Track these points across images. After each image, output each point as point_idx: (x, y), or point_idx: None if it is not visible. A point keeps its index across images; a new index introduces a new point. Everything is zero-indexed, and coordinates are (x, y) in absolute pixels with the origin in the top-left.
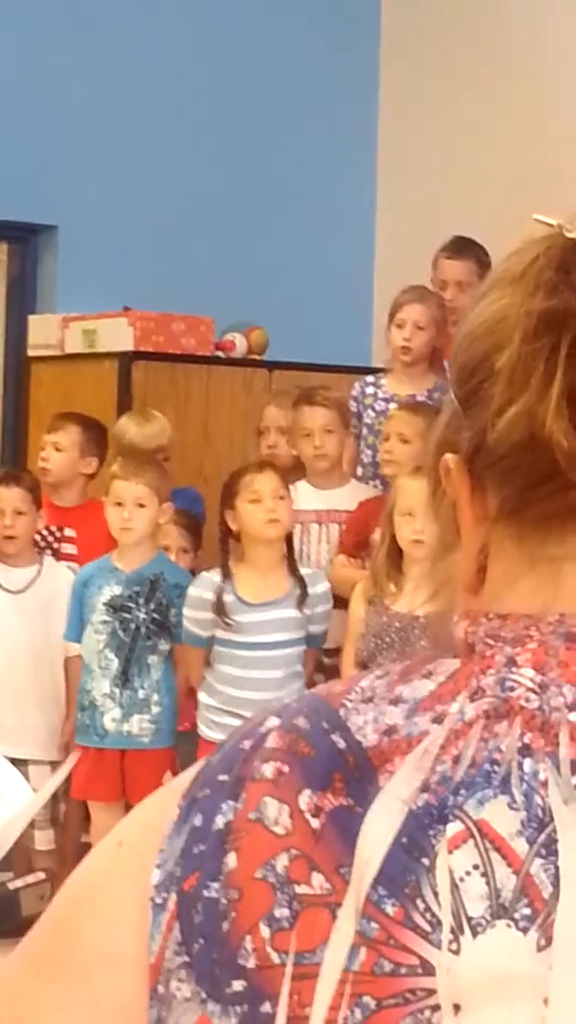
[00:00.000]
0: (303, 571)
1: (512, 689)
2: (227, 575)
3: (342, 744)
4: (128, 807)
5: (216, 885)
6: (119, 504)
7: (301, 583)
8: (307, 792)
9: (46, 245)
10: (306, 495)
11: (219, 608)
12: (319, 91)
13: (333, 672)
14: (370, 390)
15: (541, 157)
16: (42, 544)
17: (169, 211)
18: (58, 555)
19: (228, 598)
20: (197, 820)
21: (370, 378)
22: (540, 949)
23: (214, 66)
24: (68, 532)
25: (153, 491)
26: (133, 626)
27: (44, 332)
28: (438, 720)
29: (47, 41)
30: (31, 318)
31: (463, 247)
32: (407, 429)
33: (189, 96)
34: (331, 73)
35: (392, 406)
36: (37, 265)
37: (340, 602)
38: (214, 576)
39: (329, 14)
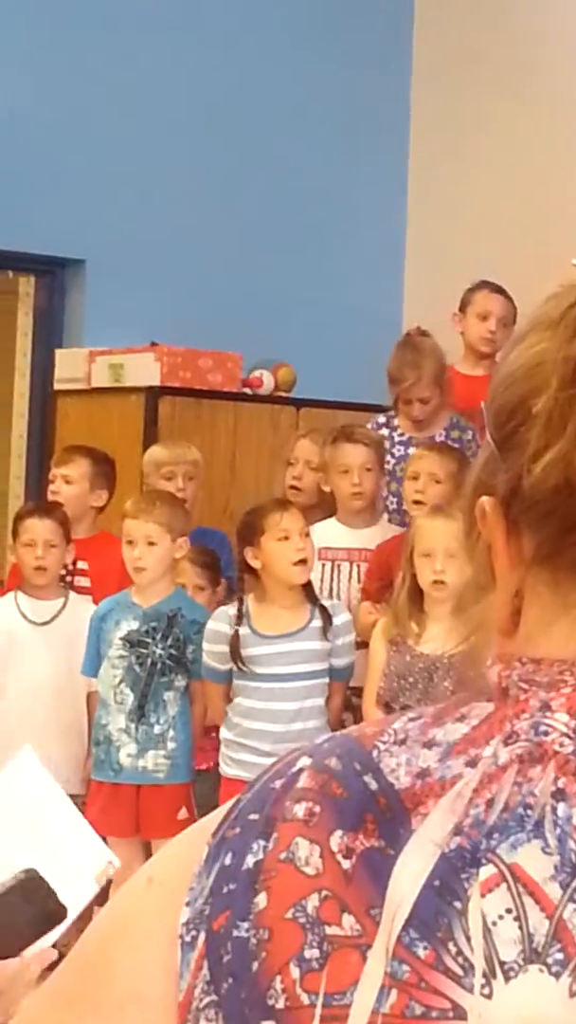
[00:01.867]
0: (324, 602)
1: (546, 734)
2: (242, 609)
3: (374, 786)
4: (143, 843)
5: (246, 925)
6: (131, 543)
7: (324, 613)
8: (339, 833)
9: (74, 279)
10: (337, 533)
11: (234, 642)
12: (349, 126)
13: (360, 711)
14: (384, 432)
15: (573, 199)
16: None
17: (197, 246)
18: (72, 588)
19: (244, 631)
20: (227, 859)
21: (380, 418)
22: (572, 995)
23: (243, 101)
24: (80, 565)
25: (164, 528)
26: (150, 661)
27: (71, 366)
28: (472, 764)
29: (76, 76)
30: (58, 352)
31: (500, 287)
32: (438, 469)
33: (217, 130)
34: (362, 108)
35: (412, 450)
36: (64, 299)
37: (365, 644)
38: (231, 610)
39: (361, 48)
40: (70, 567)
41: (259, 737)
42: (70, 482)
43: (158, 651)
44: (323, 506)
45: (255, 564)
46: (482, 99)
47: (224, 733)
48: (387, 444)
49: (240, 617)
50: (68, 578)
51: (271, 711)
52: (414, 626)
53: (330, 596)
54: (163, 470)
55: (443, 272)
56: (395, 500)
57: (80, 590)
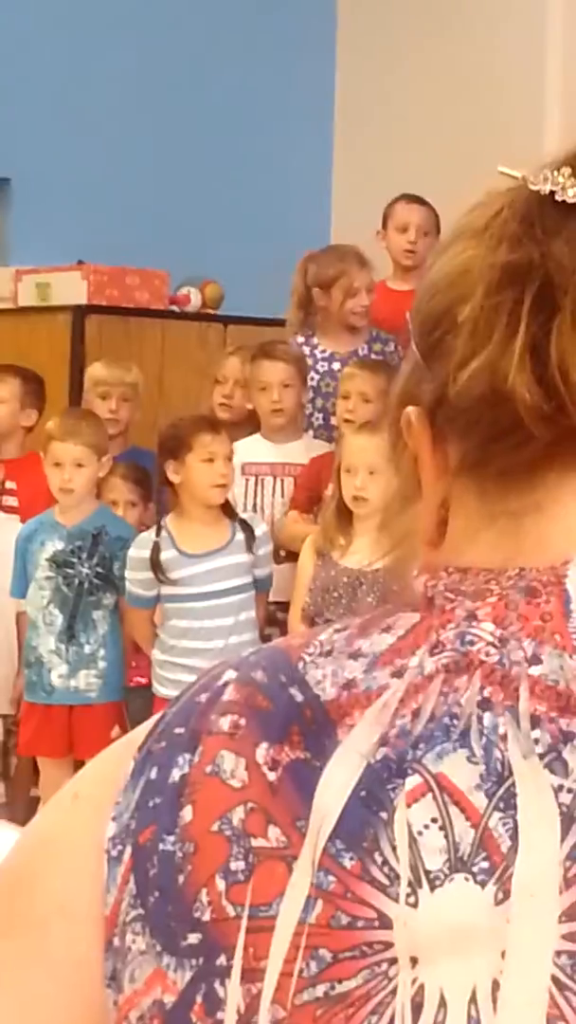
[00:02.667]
0: (243, 515)
1: (472, 643)
2: (161, 530)
3: (300, 697)
4: (76, 762)
5: (171, 838)
6: (58, 465)
7: (246, 527)
8: (264, 745)
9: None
10: (260, 448)
11: (156, 565)
12: (275, 45)
13: (286, 625)
14: (305, 350)
15: (497, 116)
16: None
17: (123, 164)
18: (0, 508)
19: (168, 554)
20: (153, 773)
21: (299, 338)
22: (498, 903)
23: (169, 20)
24: (9, 485)
25: (92, 449)
26: (77, 581)
27: None
28: (397, 674)
29: None
30: None
31: (419, 198)
32: (368, 388)
33: (144, 49)
34: (286, 25)
35: (336, 366)
36: None
37: (292, 557)
38: (152, 535)
39: None
40: None
41: (197, 655)
42: (1, 401)
43: (84, 570)
44: (251, 423)
45: (174, 479)
46: (408, 15)
47: (157, 654)
48: (309, 362)
49: (158, 543)
50: None
51: (207, 629)
52: (341, 540)
53: (254, 511)
54: (99, 389)
55: (371, 187)
56: (320, 416)
57: (9, 510)
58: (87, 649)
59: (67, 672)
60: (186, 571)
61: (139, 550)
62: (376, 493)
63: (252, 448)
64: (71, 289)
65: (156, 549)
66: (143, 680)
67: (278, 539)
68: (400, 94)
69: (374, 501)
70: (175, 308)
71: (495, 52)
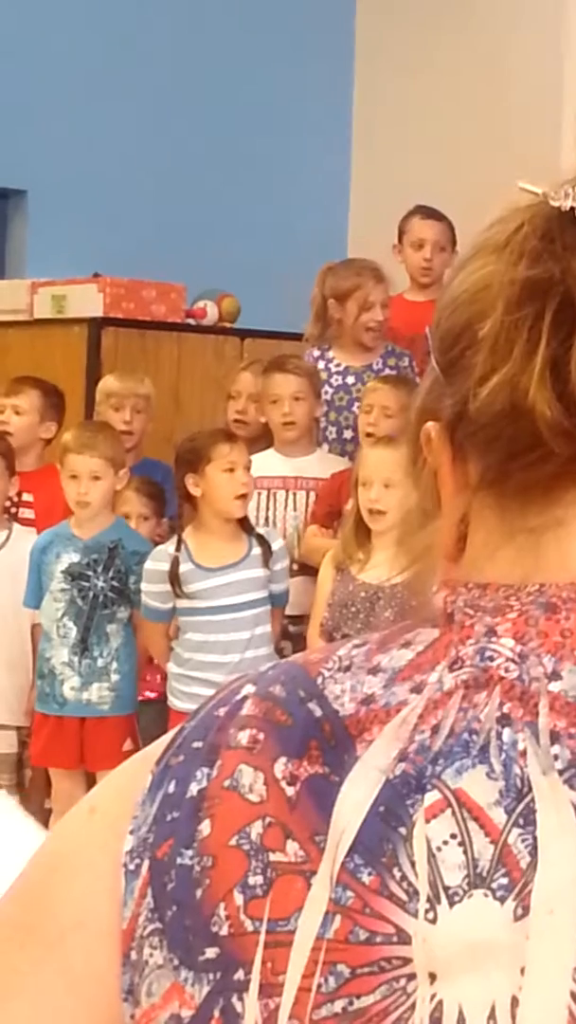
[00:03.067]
0: (259, 530)
1: (492, 659)
2: (181, 544)
3: (319, 712)
4: (87, 775)
5: (189, 852)
6: (74, 477)
7: (263, 541)
8: (283, 760)
9: (16, 210)
10: (273, 462)
11: (174, 578)
12: (292, 57)
13: (300, 639)
14: (320, 365)
15: (514, 128)
16: (2, 510)
17: (140, 177)
18: (16, 520)
19: (186, 567)
20: (171, 787)
21: (315, 351)
22: (517, 919)
23: (186, 31)
24: (26, 497)
25: (108, 462)
26: (91, 594)
27: (12, 297)
28: (417, 690)
29: (15, 5)
30: (0, 282)
31: (435, 211)
32: (391, 402)
33: (161, 61)
34: (305, 39)
35: (350, 379)
36: (6, 230)
37: (305, 571)
38: (169, 548)
39: None
40: (14, 499)
41: (213, 669)
42: (20, 413)
43: (100, 583)
44: (267, 438)
45: (195, 491)
46: (426, 28)
47: (173, 668)
48: (324, 375)
49: (177, 556)
50: (13, 510)
51: (223, 642)
52: (359, 555)
53: (266, 524)
54: (112, 401)
55: (388, 200)
56: (334, 430)
57: (25, 522)
58: (100, 662)
59: (79, 684)
60: (202, 584)
61: (156, 563)
62: (392, 506)
63: (265, 462)
64: (87, 302)
65: (175, 562)
66: (152, 695)
67: (297, 553)
68: (418, 106)
69: (390, 515)
70: (191, 321)
71: (513, 63)
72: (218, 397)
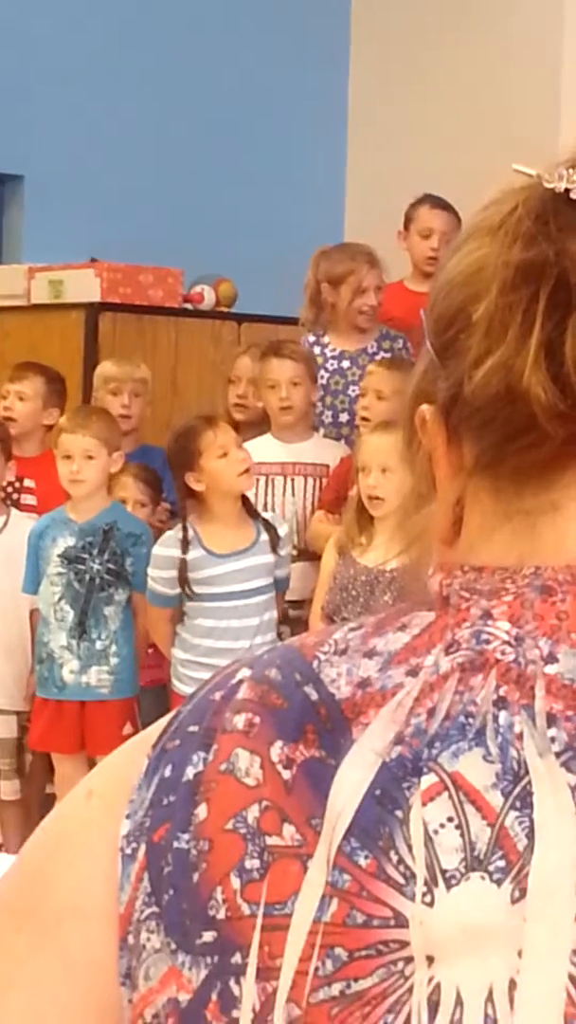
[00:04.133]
0: (265, 515)
1: (488, 642)
2: (188, 531)
3: (315, 696)
4: (89, 759)
5: (186, 836)
6: (68, 457)
7: (269, 527)
8: (279, 743)
9: (12, 195)
10: (271, 447)
11: (182, 569)
12: (288, 43)
13: (299, 623)
14: (316, 350)
15: (512, 116)
16: (1, 495)
17: (137, 162)
18: (18, 506)
19: (196, 553)
20: (167, 771)
21: (310, 337)
22: (514, 901)
23: (183, 20)
24: (28, 483)
25: (101, 442)
26: (88, 577)
27: (10, 282)
28: (413, 673)
29: None
30: None
31: (444, 202)
32: (384, 386)
33: (158, 47)
34: (302, 25)
35: (345, 363)
36: (3, 215)
37: (304, 556)
38: (179, 534)
39: None
40: (15, 484)
41: (224, 655)
42: (24, 399)
43: (96, 566)
44: (268, 422)
45: (198, 487)
46: (423, 16)
47: (179, 653)
48: (319, 360)
49: (186, 542)
50: (15, 496)
51: (234, 629)
52: (362, 539)
53: (265, 510)
54: (110, 386)
55: (384, 186)
56: (329, 414)
57: (27, 508)
58: (99, 645)
59: (79, 668)
60: (214, 571)
61: (166, 548)
62: (390, 491)
63: (262, 448)
64: (84, 287)
65: (184, 548)
66: (152, 680)
67: (297, 539)
68: (414, 93)
69: (388, 499)
70: (189, 306)
71: (509, 51)
72: (215, 381)
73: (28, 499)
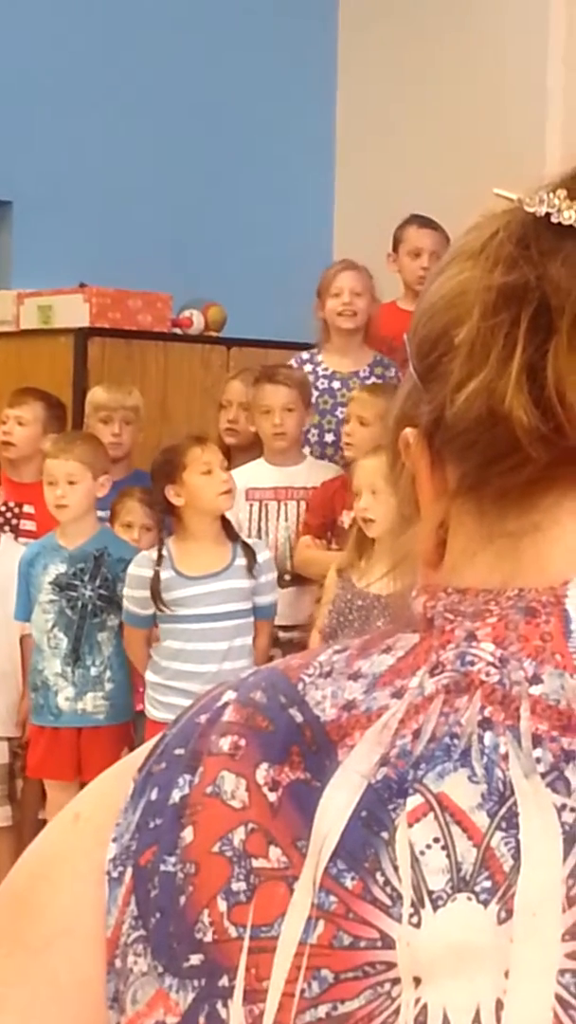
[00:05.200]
0: (247, 540)
1: (472, 663)
2: (162, 552)
3: (300, 718)
4: (83, 785)
5: (172, 859)
6: (52, 483)
7: (247, 550)
8: (264, 766)
9: (1, 221)
10: (263, 472)
11: (155, 585)
12: (276, 67)
13: (290, 646)
14: (308, 368)
15: (499, 135)
16: (0, 521)
17: (125, 187)
18: (17, 532)
19: (167, 574)
20: (153, 794)
21: (304, 355)
22: (501, 922)
23: (171, 44)
24: (27, 508)
25: (85, 466)
26: (80, 604)
27: None
28: (398, 695)
29: (0, 16)
30: None
31: (431, 221)
32: (367, 412)
33: (145, 72)
34: (288, 48)
35: (335, 384)
36: None
37: (297, 581)
38: (152, 554)
39: None
40: (14, 510)
41: (189, 678)
42: (23, 424)
43: (87, 592)
44: (259, 447)
45: (177, 501)
46: (409, 35)
47: (151, 676)
48: (311, 378)
49: (160, 559)
50: (14, 521)
51: (200, 652)
52: (362, 563)
53: (259, 536)
54: (100, 414)
55: (373, 209)
56: (316, 432)
57: (26, 534)
58: (93, 671)
59: (74, 695)
60: (183, 592)
61: (139, 568)
62: (380, 513)
63: (255, 473)
64: (73, 312)
65: (156, 569)
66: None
67: (290, 564)
68: (401, 115)
69: (379, 520)
70: (178, 331)
71: (496, 71)
72: (205, 406)
73: (28, 524)
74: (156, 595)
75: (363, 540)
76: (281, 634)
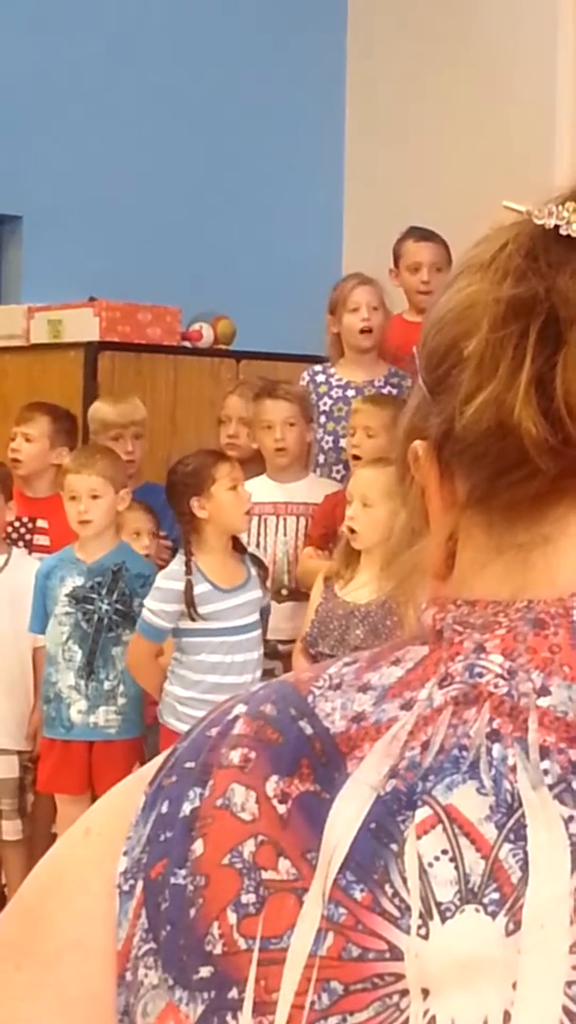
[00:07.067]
0: (252, 551)
1: (481, 675)
2: (191, 565)
3: (309, 730)
4: (95, 799)
5: (183, 872)
6: (74, 498)
7: (258, 562)
8: (274, 778)
9: (11, 235)
10: (265, 488)
11: (189, 598)
12: (285, 81)
13: (286, 658)
14: (321, 378)
15: (507, 149)
16: (14, 536)
17: (135, 201)
18: (31, 547)
19: (202, 588)
20: (164, 807)
21: (317, 367)
22: (509, 934)
23: (180, 57)
24: (40, 523)
25: (107, 480)
26: (96, 617)
27: (9, 322)
28: (407, 707)
29: (10, 30)
30: None
31: (429, 232)
32: (373, 422)
33: (155, 86)
34: (297, 63)
35: (350, 392)
36: (1, 255)
37: (294, 595)
38: (180, 567)
39: (295, 5)
40: (27, 525)
41: (230, 690)
42: (30, 440)
43: (104, 607)
44: (258, 462)
45: (201, 514)
46: (419, 50)
47: (178, 690)
48: (324, 388)
49: (190, 575)
50: (27, 536)
51: (240, 663)
52: (347, 573)
53: (258, 549)
54: (111, 432)
55: (382, 221)
56: (330, 439)
57: (40, 548)
58: (106, 685)
59: (86, 708)
60: (219, 605)
61: (171, 581)
62: (365, 524)
63: (257, 488)
64: (83, 326)
65: (189, 583)
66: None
67: (287, 578)
68: (411, 128)
69: (362, 532)
70: (187, 344)
71: (505, 84)
72: (214, 419)
73: (41, 539)
74: (192, 607)
75: (350, 550)
76: (280, 647)
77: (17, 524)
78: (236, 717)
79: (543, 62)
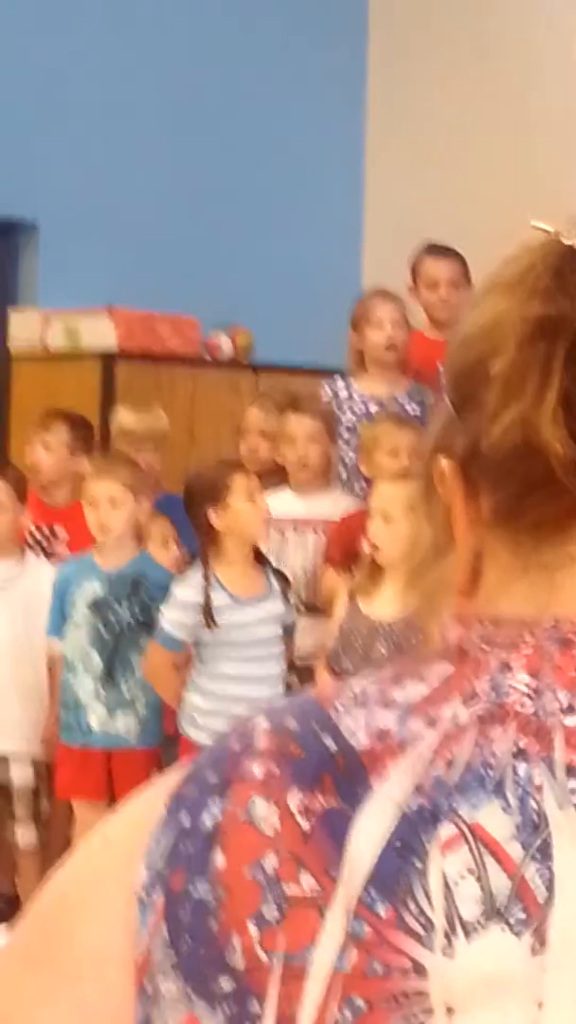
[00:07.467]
0: (274, 563)
1: (507, 694)
2: (209, 575)
3: (333, 746)
4: (112, 805)
5: (204, 884)
6: (94, 504)
7: (281, 576)
8: (296, 793)
9: (27, 242)
10: (288, 501)
11: (207, 608)
12: (307, 91)
13: (307, 673)
14: (344, 393)
15: (529, 162)
16: (32, 544)
17: (151, 209)
18: (49, 555)
19: (220, 598)
20: (185, 819)
21: (340, 382)
22: (534, 953)
23: (200, 65)
24: (60, 532)
25: (127, 488)
26: (116, 625)
27: (26, 330)
28: (431, 724)
29: (26, 35)
30: (12, 313)
31: (446, 248)
32: (395, 442)
33: (174, 94)
34: (318, 71)
35: (373, 408)
36: (18, 262)
37: (312, 612)
38: (197, 577)
39: (316, 16)
40: (47, 533)
41: (246, 704)
42: (48, 448)
43: (124, 615)
44: (277, 474)
45: (218, 524)
46: (440, 64)
47: (199, 702)
48: (348, 403)
49: (208, 585)
50: (46, 545)
51: (259, 676)
52: (371, 588)
53: (278, 564)
54: (130, 440)
55: (402, 234)
56: (352, 455)
57: (58, 558)
58: (126, 692)
59: (105, 715)
60: (238, 616)
61: (186, 591)
62: (387, 540)
63: (280, 501)
64: (100, 334)
65: (207, 592)
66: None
67: (304, 593)
68: (431, 141)
69: (384, 548)
70: (206, 356)
71: (527, 103)
72: (233, 431)
73: (60, 548)
74: (210, 618)
75: (375, 566)
76: (299, 661)
77: (36, 532)
78: (259, 731)
79: (567, 75)
